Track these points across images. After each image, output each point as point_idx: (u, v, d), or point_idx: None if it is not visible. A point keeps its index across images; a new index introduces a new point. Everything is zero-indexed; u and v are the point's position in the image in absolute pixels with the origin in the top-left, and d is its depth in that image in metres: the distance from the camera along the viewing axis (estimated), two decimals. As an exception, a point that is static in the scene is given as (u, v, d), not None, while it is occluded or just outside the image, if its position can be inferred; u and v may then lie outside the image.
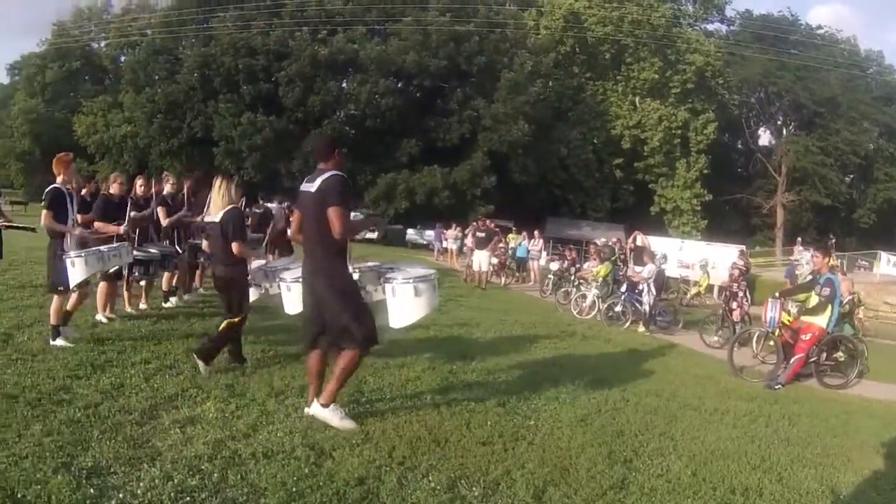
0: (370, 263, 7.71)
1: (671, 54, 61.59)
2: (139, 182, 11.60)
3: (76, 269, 8.36)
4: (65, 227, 8.44)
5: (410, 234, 50.45)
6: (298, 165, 49.47)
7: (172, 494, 4.49)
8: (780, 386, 11.26)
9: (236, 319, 7.93)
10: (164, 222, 11.63)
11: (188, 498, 4.50)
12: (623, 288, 18.38)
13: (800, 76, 67.77)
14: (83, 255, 8.48)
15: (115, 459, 4.95)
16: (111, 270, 9.79)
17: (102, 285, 10.14)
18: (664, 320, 18.15)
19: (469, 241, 27.67)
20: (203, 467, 4.94)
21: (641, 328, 17.25)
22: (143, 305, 11.38)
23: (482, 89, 51.66)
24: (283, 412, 6.40)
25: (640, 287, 17.78)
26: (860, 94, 68.76)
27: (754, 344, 13.73)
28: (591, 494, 5.28)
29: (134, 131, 55.43)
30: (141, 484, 4.60)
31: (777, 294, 12.96)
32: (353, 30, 52.89)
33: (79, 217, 9.20)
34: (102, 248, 8.98)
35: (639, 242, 19.90)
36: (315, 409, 6.24)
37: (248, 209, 14.66)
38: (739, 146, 78.45)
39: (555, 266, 25.47)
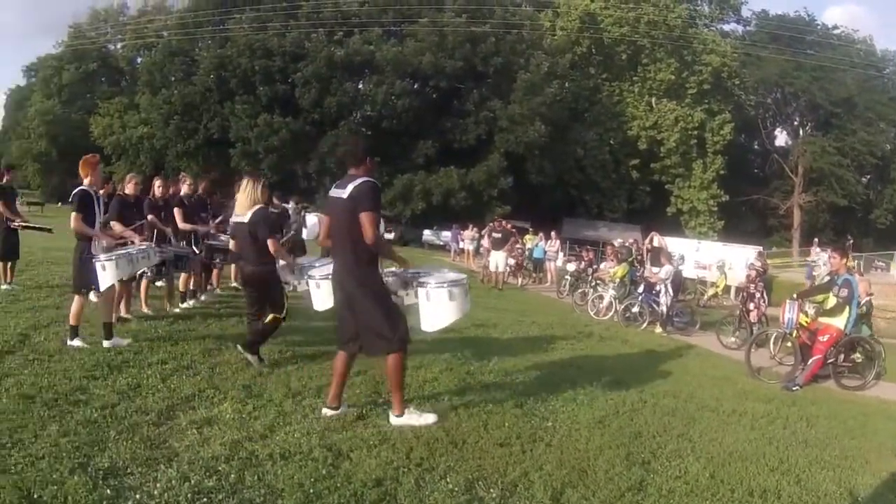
0: (402, 270, 7.73)
1: (687, 55, 61.42)
2: (157, 183, 11.63)
3: (107, 273, 8.34)
4: (93, 231, 8.44)
5: (427, 235, 50.50)
6: (315, 166, 49.72)
7: (189, 495, 4.47)
8: (797, 387, 11.19)
9: (281, 315, 8.14)
10: (181, 225, 11.63)
11: (205, 499, 4.48)
12: (640, 289, 18.34)
13: (816, 76, 67.60)
14: (114, 258, 8.45)
15: (131, 460, 4.93)
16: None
17: (118, 285, 10.14)
18: (681, 321, 18.09)
19: (486, 241, 27.75)
20: (220, 468, 4.92)
21: (658, 329, 17.19)
22: (176, 309, 11.37)
23: (498, 90, 51.66)
24: (300, 413, 6.37)
25: (658, 288, 17.73)
26: (876, 95, 68.59)
27: (772, 345, 13.60)
28: (608, 496, 5.22)
29: (150, 132, 55.74)
30: (158, 485, 4.57)
31: (795, 295, 12.87)
32: (370, 31, 53.03)
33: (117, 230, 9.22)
34: (132, 250, 8.97)
35: (656, 243, 19.81)
36: (394, 422, 6.28)
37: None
38: (756, 147, 78.18)
39: (572, 267, 25.48)
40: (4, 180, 13.37)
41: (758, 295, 17.21)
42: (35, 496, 4.27)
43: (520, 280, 28.25)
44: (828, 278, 13.18)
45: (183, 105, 52.74)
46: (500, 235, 25.38)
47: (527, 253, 30.12)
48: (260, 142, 49.97)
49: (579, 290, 21.81)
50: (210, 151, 53.77)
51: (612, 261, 21.78)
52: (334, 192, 6.26)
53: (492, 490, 5.04)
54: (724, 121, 61.70)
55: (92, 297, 9.06)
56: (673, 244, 25.00)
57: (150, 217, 10.76)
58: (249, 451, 5.30)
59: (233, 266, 14.64)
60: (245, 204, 7.95)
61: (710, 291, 28.44)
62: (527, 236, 32.79)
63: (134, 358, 7.80)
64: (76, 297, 8.46)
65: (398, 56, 50.50)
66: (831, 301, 11.87)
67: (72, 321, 8.35)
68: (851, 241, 46.55)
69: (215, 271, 13.77)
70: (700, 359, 13.52)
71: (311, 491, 4.69)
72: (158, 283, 11.70)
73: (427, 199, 50.05)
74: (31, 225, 13.77)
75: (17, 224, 12.72)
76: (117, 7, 73.42)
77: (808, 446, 7.35)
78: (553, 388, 8.19)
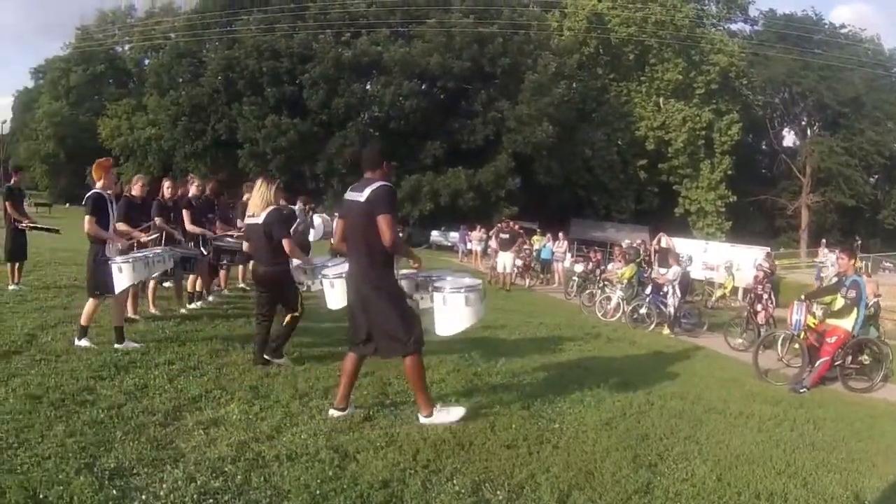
0: (413, 272, 7.78)
1: (695, 55, 61.38)
2: (166, 184, 11.65)
3: (123, 275, 8.38)
4: (108, 234, 8.46)
5: (435, 235, 50.51)
6: (322, 167, 49.75)
7: (195, 496, 4.46)
8: (805, 389, 11.14)
9: (297, 313, 8.21)
10: (189, 227, 11.64)
11: (211, 500, 4.47)
12: (648, 290, 18.30)
13: (824, 76, 67.46)
14: (130, 260, 8.51)
15: (138, 460, 4.93)
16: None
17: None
18: (689, 322, 18.07)
19: (493, 242, 27.68)
20: (226, 469, 4.92)
21: (666, 330, 17.15)
22: (183, 310, 11.39)
23: (506, 91, 51.67)
24: (307, 414, 6.36)
25: (665, 289, 17.69)
26: (884, 94, 68.38)
27: (779, 347, 13.57)
28: (615, 499, 5.20)
29: (158, 134, 55.85)
30: (164, 485, 4.57)
31: (802, 297, 12.82)
32: (377, 32, 53.08)
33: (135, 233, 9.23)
34: (148, 253, 9.03)
35: (663, 244, 19.77)
36: (424, 422, 6.31)
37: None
38: (764, 147, 78.03)
39: (579, 268, 25.43)
40: (12, 181, 13.45)
41: (765, 296, 17.14)
42: (41, 496, 4.27)
43: (527, 281, 28.26)
44: (836, 279, 13.13)
45: (191, 106, 52.86)
46: (507, 236, 25.38)
47: (534, 254, 30.11)
48: (268, 143, 50.04)
49: (587, 291, 21.79)
50: (218, 152, 53.87)
51: (620, 262, 21.73)
52: (350, 196, 6.27)
53: (498, 492, 5.03)
54: (731, 121, 61.65)
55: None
56: (681, 245, 25.00)
57: (157, 220, 10.77)
58: (256, 452, 5.30)
59: (240, 267, 14.69)
60: (259, 205, 7.99)
61: (718, 293, 28.42)
62: (534, 237, 32.76)
63: (141, 358, 7.81)
64: (91, 299, 8.47)
65: (406, 57, 50.53)
66: (839, 302, 11.81)
67: (83, 321, 8.36)
68: (859, 242, 46.46)
69: (222, 272, 13.77)
70: (707, 360, 13.48)
71: (318, 492, 4.69)
72: (166, 284, 11.73)
73: (435, 199, 50.05)
74: (39, 226, 13.81)
75: (24, 225, 12.76)
76: (125, 9, 74.02)
77: (816, 449, 7.32)
78: (560, 390, 8.17)
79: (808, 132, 73.66)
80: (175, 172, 45.02)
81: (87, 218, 8.29)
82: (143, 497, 4.41)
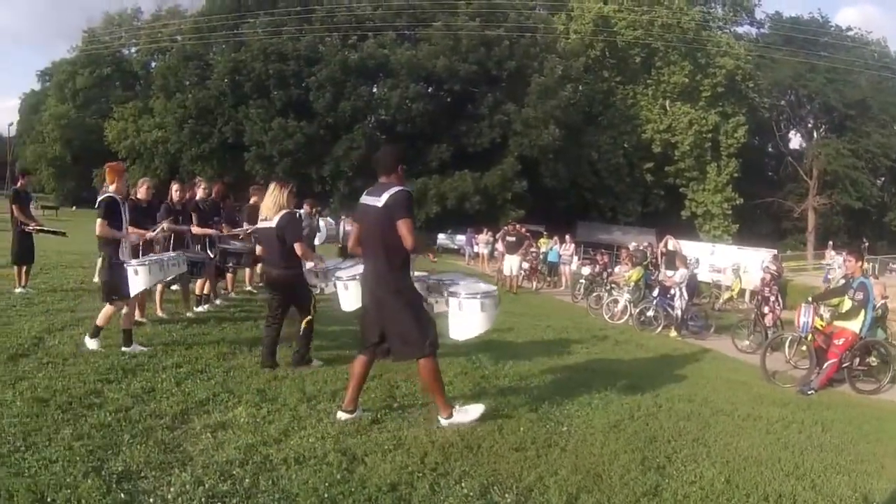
0: (426, 275, 7.84)
1: (701, 58, 61.21)
2: (175, 187, 11.65)
3: (139, 278, 8.44)
4: (120, 233, 8.48)
5: (441, 238, 50.49)
6: (329, 170, 49.75)
7: (203, 499, 4.46)
8: (812, 391, 11.15)
9: (311, 316, 8.27)
10: (195, 230, 11.64)
11: (219, 503, 4.46)
12: (655, 292, 18.31)
13: (830, 78, 67.36)
14: (146, 263, 8.58)
15: (145, 464, 4.93)
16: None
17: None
18: (696, 325, 18.05)
19: (500, 245, 27.67)
20: (234, 472, 4.92)
21: (673, 333, 17.15)
22: (190, 314, 11.39)
23: (512, 94, 51.58)
24: (314, 417, 6.36)
25: (672, 291, 17.70)
26: (891, 97, 68.21)
27: (787, 349, 13.56)
28: (624, 501, 5.20)
29: (165, 136, 55.87)
30: (171, 489, 4.57)
31: (810, 299, 12.82)
32: (383, 35, 53.09)
33: (141, 233, 9.24)
34: (164, 256, 9.15)
35: (670, 247, 19.77)
36: (444, 424, 6.35)
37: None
38: (770, 149, 77.79)
39: (586, 270, 25.47)
40: (19, 184, 13.46)
41: (772, 298, 17.15)
42: (49, 499, 4.27)
43: (534, 284, 28.27)
44: (843, 281, 13.11)
45: (197, 109, 52.88)
46: (514, 239, 25.37)
47: (541, 256, 30.15)
48: (274, 146, 50.00)
49: (594, 294, 21.80)
50: (225, 155, 53.89)
51: (627, 264, 21.76)
52: (367, 200, 6.31)
53: (507, 495, 5.01)
54: (738, 123, 61.44)
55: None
56: (687, 248, 24.97)
57: (165, 224, 10.79)
58: (264, 455, 5.30)
59: (247, 270, 14.71)
60: (272, 209, 8.05)
61: (725, 295, 28.42)
62: (541, 240, 32.81)
63: (148, 362, 7.83)
64: (108, 305, 8.47)
65: (412, 60, 50.50)
66: (847, 304, 11.82)
67: (99, 322, 8.40)
68: (867, 244, 46.37)
69: (229, 276, 13.77)
70: (715, 363, 13.49)
71: (326, 496, 4.68)
72: (174, 287, 11.74)
73: (441, 202, 49.96)
74: (46, 229, 13.82)
75: (31, 228, 12.76)
76: (131, 12, 73.96)
77: (824, 451, 7.31)
78: (568, 393, 8.16)
79: (815, 135, 73.48)
80: (182, 175, 45.05)
81: (98, 221, 8.32)
82: (151, 500, 4.42)
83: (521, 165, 50.96)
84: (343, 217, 26.33)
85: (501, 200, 50.78)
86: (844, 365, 11.77)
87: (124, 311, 8.54)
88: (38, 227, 13.23)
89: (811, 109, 72.47)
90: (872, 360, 12.47)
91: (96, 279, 13.29)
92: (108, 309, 8.42)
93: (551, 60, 51.94)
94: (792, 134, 77.03)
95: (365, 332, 6.51)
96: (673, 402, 8.56)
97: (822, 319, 12.37)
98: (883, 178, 71.82)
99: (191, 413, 6.17)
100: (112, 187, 8.59)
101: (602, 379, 9.28)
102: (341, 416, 6.33)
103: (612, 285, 21.16)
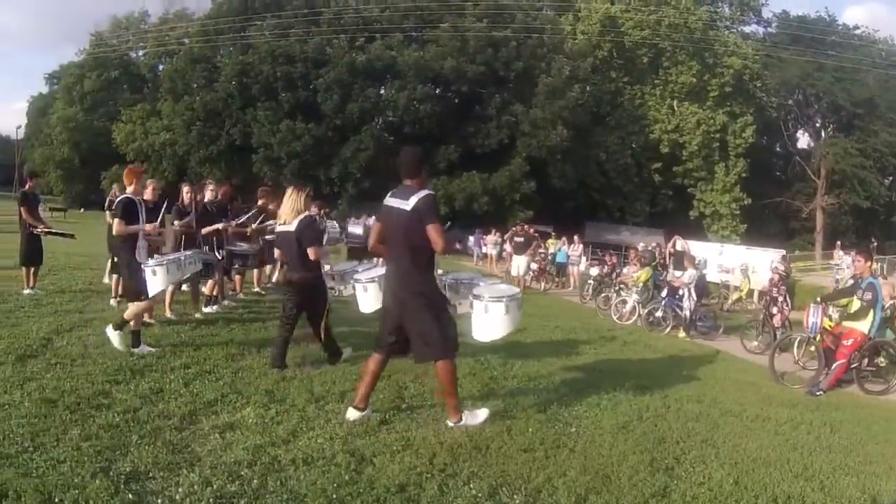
0: (450, 276, 7.93)
1: (709, 57, 61.11)
2: (185, 189, 11.70)
3: (157, 278, 8.54)
4: (136, 227, 8.61)
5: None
6: (337, 172, 49.74)
7: (211, 500, 4.46)
8: (821, 392, 11.11)
9: (326, 315, 8.45)
10: (203, 230, 11.65)
11: (227, 504, 4.46)
12: (663, 293, 18.30)
13: (837, 77, 67.14)
14: (164, 263, 8.67)
15: (153, 464, 4.94)
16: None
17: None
18: (704, 325, 18.02)
19: (508, 246, 27.71)
20: (243, 473, 4.91)
21: (682, 333, 17.13)
22: (198, 315, 11.39)
23: (520, 95, 51.56)
24: (323, 418, 6.36)
25: (681, 292, 17.68)
26: (898, 95, 67.99)
27: (795, 349, 13.52)
28: (632, 503, 5.19)
29: (173, 139, 55.89)
30: (180, 489, 4.57)
31: (819, 299, 12.78)
32: (391, 37, 53.10)
33: (147, 227, 9.26)
34: (181, 256, 9.25)
35: (679, 247, 19.74)
36: (451, 425, 6.36)
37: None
38: (778, 149, 77.59)
39: (595, 271, 25.44)
40: (27, 187, 13.50)
41: (781, 299, 17.13)
42: (56, 500, 4.28)
43: (543, 284, 28.20)
44: (851, 282, 13.07)
45: (205, 111, 52.93)
46: (522, 240, 25.41)
47: (549, 257, 30.09)
48: (282, 148, 50.01)
49: (602, 295, 21.80)
50: (233, 157, 53.92)
51: (636, 265, 21.75)
52: (393, 202, 6.32)
53: (515, 496, 5.01)
54: (745, 123, 61.32)
55: (112, 302, 9.10)
56: (696, 248, 24.97)
57: (176, 224, 10.83)
58: (272, 456, 5.30)
59: (255, 271, 14.74)
60: (290, 213, 8.17)
61: (734, 295, 28.38)
62: (549, 240, 32.72)
63: (157, 362, 7.84)
64: (136, 303, 8.53)
65: (420, 61, 50.48)
66: (855, 305, 11.78)
67: (127, 316, 8.46)
68: (875, 244, 46.25)
69: (237, 277, 13.79)
70: (723, 363, 13.46)
71: (334, 496, 4.68)
72: (184, 288, 11.76)
73: (450, 203, 49.88)
74: (54, 231, 13.86)
75: (39, 230, 12.79)
76: (139, 15, 74.18)
77: (832, 452, 7.28)
78: (576, 393, 8.15)
79: (823, 134, 73.30)
80: (190, 177, 44.98)
81: (115, 221, 8.44)
82: (159, 501, 4.42)
83: (529, 166, 50.93)
84: (350, 219, 26.28)
85: (509, 201, 50.77)
86: (853, 365, 11.73)
87: (133, 309, 8.57)
88: (47, 230, 13.26)
89: (819, 109, 72.25)
90: (881, 361, 12.42)
91: (105, 280, 13.41)
92: (135, 308, 8.46)
93: (559, 61, 51.91)
94: (800, 133, 76.88)
95: (382, 330, 6.53)
96: (682, 403, 8.54)
97: (830, 320, 12.33)
98: (891, 178, 71.54)
99: (199, 414, 6.18)
100: (130, 188, 8.72)
101: (611, 380, 9.27)
102: (351, 414, 6.33)
103: (621, 286, 21.13)
